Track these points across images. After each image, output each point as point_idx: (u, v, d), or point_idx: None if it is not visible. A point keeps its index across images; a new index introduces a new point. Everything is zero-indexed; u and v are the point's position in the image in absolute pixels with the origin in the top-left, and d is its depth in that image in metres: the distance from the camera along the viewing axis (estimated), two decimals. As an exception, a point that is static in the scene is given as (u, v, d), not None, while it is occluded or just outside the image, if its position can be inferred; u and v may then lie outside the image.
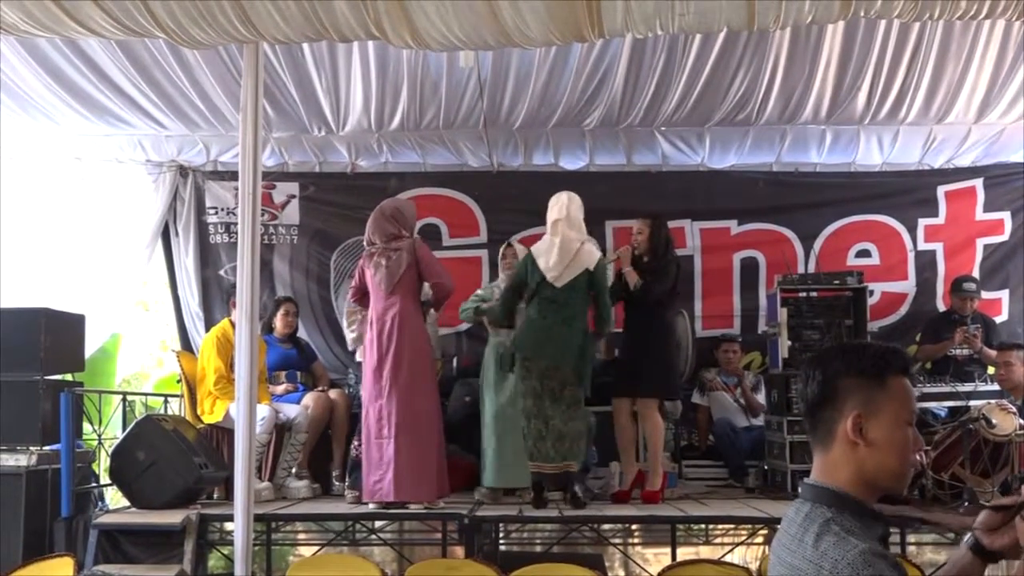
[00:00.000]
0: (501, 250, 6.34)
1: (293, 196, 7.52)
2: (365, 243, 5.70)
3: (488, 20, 3.77)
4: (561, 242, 5.52)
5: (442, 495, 5.49)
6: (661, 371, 5.82)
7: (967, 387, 6.16)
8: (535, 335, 5.53)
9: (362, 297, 5.68)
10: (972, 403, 5.75)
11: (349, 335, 6.30)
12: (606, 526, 5.90)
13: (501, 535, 5.87)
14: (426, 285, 5.64)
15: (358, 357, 6.11)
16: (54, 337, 5.73)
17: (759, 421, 6.81)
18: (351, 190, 7.52)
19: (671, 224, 6.48)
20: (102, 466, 6.01)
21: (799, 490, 1.87)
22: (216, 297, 7.42)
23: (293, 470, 6.21)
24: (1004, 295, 7.46)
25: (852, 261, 7.34)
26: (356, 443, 5.89)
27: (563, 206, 5.59)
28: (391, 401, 5.32)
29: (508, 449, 5.78)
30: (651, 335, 5.79)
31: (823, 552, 1.67)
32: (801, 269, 7.25)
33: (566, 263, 5.49)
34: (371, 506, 5.43)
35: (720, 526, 6.11)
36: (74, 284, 7.04)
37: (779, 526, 1.86)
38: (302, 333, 7.10)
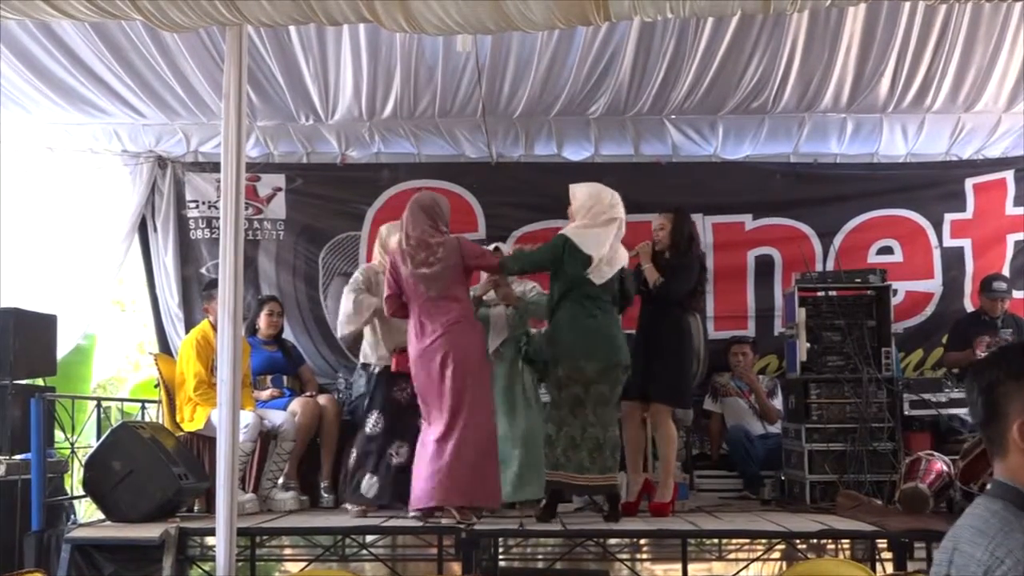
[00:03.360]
0: None
1: (279, 189, 7.52)
2: (399, 242, 5.44)
3: (487, 2, 3.78)
4: (614, 240, 5.45)
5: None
6: (674, 376, 5.82)
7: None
8: (589, 336, 5.35)
9: (399, 307, 5.42)
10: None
11: (371, 349, 5.93)
12: (612, 540, 5.90)
13: (501, 550, 5.89)
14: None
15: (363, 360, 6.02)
16: (24, 339, 5.74)
17: (776, 428, 6.83)
18: (341, 182, 7.53)
19: (682, 219, 6.47)
20: (75, 477, 6.02)
21: (988, 487, 1.91)
22: (197, 297, 7.39)
23: (279, 481, 6.20)
24: (1038, 295, 7.46)
25: (873, 259, 7.35)
26: (351, 449, 5.83)
27: (621, 207, 5.53)
28: (456, 407, 5.19)
29: None
30: (665, 337, 5.79)
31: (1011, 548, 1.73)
32: (819, 267, 7.27)
33: (609, 261, 5.43)
34: (409, 513, 5.30)
35: (734, 541, 6.11)
36: (45, 282, 7.06)
37: (964, 521, 1.90)
38: (288, 335, 7.08)
